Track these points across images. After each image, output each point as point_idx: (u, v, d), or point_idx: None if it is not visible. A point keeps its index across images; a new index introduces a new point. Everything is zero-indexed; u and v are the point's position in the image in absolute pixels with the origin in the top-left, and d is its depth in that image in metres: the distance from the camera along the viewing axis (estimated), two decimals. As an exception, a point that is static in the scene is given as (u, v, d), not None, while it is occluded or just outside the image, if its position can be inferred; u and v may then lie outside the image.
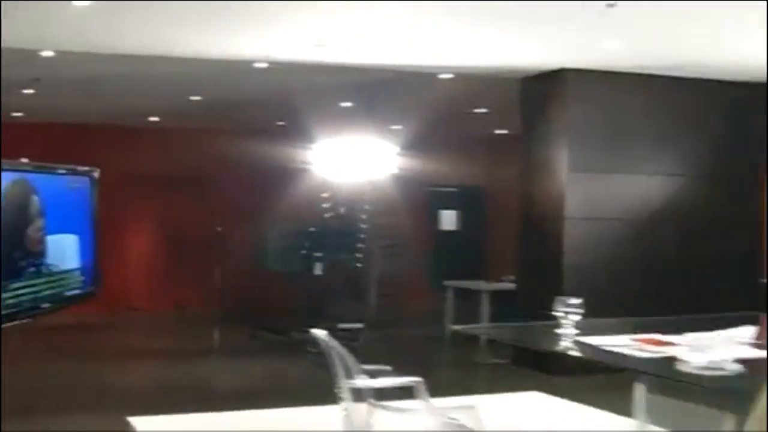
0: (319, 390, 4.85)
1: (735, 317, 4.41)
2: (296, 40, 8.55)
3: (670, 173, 10.34)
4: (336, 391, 4.46)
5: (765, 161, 10.99)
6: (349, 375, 4.39)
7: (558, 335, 4.38)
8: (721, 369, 3.62)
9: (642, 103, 10.19)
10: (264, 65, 9.69)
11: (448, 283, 12.29)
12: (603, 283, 9.70)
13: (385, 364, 4.71)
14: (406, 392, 4.56)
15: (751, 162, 10.86)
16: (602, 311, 5.21)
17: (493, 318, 10.94)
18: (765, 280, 11.81)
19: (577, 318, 4.42)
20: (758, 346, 4.12)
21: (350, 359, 4.43)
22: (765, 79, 10.46)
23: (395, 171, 13.66)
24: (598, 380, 7.64)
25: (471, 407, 4.27)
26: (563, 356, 4.30)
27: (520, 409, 7.77)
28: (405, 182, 14.86)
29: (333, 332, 9.19)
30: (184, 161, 15.13)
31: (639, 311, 5.10)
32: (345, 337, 10.55)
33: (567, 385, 8.54)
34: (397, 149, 13.60)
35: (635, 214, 10.15)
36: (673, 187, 10.34)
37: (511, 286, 10.97)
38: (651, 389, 4.78)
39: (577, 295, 4.58)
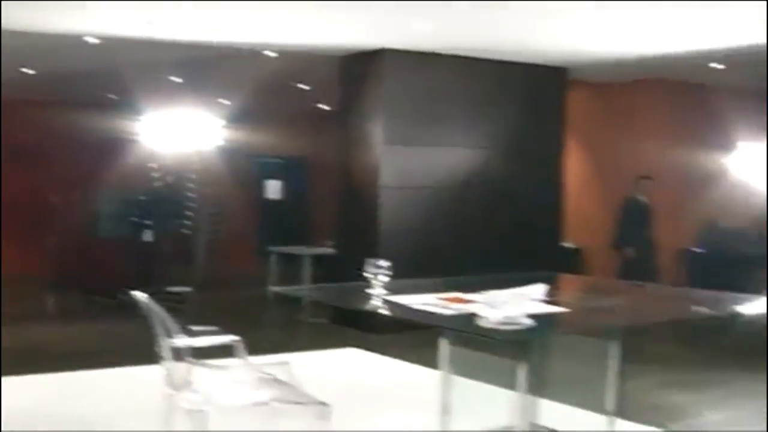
0: (145, 350, 4.77)
1: (535, 276, 4.52)
2: (127, 17, 8.34)
3: (477, 146, 10.59)
4: (157, 350, 4.40)
5: (561, 136, 11.42)
6: (170, 335, 4.33)
7: (368, 295, 4.41)
8: (515, 323, 3.72)
9: (451, 82, 10.40)
10: (96, 41, 9.43)
11: (272, 248, 12.24)
12: (416, 247, 9.89)
13: (212, 324, 4.66)
14: (228, 351, 4.53)
15: (551, 137, 11.27)
16: (415, 273, 5.28)
17: (315, 281, 10.97)
18: (565, 244, 12.27)
19: (387, 279, 4.45)
20: (549, 302, 4.26)
21: (170, 320, 4.36)
22: (559, 64, 10.89)
23: (222, 143, 13.56)
24: (410, 336, 7.76)
25: (285, 363, 4.29)
26: (378, 315, 4.33)
27: (337, 364, 7.84)
28: (231, 153, 14.75)
29: (160, 295, 9.11)
30: (17, 133, 14.56)
31: (449, 272, 5.20)
32: (173, 300, 10.46)
33: (382, 342, 8.66)
34: (224, 122, 13.49)
35: (445, 184, 10.35)
36: (480, 159, 10.60)
37: (331, 250, 11.05)
38: (454, 343, 4.89)
39: (392, 258, 4.61)
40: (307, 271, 11.29)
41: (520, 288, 4.11)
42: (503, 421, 4.88)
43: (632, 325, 4.71)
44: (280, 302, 11.52)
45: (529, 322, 3.78)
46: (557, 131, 11.43)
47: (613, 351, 4.84)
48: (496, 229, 10.60)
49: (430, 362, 5.24)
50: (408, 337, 7.86)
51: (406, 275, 4.79)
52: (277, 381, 4.31)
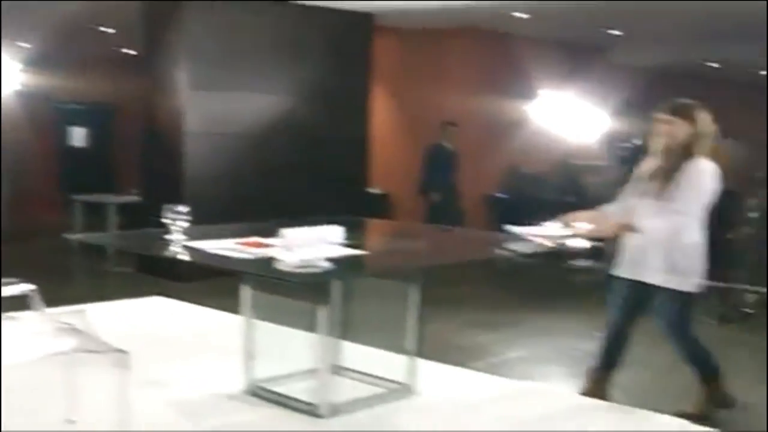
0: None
1: (339, 220, 4.56)
2: None
3: (283, 92, 10.54)
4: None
5: (368, 83, 11.51)
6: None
7: (167, 242, 4.35)
8: (313, 266, 3.74)
9: (257, 27, 10.29)
10: None
11: (76, 197, 11.91)
12: (223, 193, 9.82)
13: (16, 276, 4.49)
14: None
15: (357, 83, 11.33)
16: (223, 219, 5.25)
17: (121, 229, 10.75)
18: (373, 190, 12.42)
19: (186, 225, 4.40)
20: (348, 246, 4.31)
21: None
22: (366, 10, 10.94)
23: (20, 87, 13.05)
24: (216, 283, 7.70)
25: (81, 311, 4.19)
26: (183, 263, 4.28)
27: (142, 313, 7.72)
28: (31, 99, 14.20)
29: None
30: None
31: (257, 219, 5.17)
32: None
33: (189, 290, 8.56)
34: (23, 66, 12.98)
35: (251, 130, 10.27)
36: (286, 105, 10.55)
37: (137, 198, 10.84)
38: (255, 288, 4.89)
39: (199, 205, 4.56)
40: (113, 219, 11.06)
41: (318, 231, 4.14)
42: (307, 364, 4.93)
43: (431, 266, 4.82)
44: (84, 252, 11.23)
45: (326, 264, 3.81)
46: (364, 77, 11.51)
47: (414, 293, 4.95)
48: (303, 175, 10.60)
49: (236, 309, 5.23)
50: (214, 284, 7.80)
51: (213, 222, 4.76)
52: (74, 330, 4.22)
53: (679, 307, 5.17)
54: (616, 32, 12.74)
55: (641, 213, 5.08)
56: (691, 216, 5.04)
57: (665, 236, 5.00)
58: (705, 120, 5.12)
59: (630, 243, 5.06)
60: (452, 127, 11.79)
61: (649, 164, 5.24)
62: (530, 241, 4.74)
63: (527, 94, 13.08)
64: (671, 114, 5.11)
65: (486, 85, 12.93)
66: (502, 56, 12.98)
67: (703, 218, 5.11)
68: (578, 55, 13.46)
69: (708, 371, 5.36)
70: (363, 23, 11.37)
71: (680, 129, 5.07)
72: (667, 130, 5.11)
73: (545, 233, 4.76)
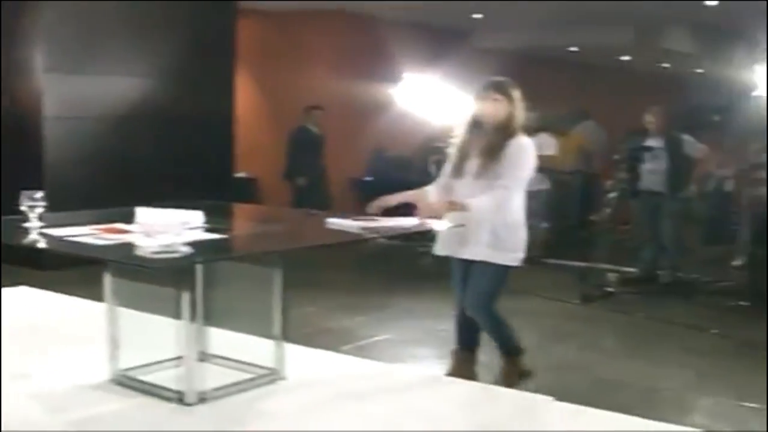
0: None
1: (202, 205, 4.50)
2: None
3: (144, 75, 10.34)
4: None
5: (232, 66, 11.39)
6: None
7: (24, 229, 4.23)
8: (172, 252, 3.69)
9: (117, 9, 10.04)
10: None
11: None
12: (84, 179, 9.60)
13: None
14: None
15: (221, 66, 11.20)
16: (85, 205, 5.12)
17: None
18: (240, 175, 12.33)
19: (42, 211, 4.28)
20: (210, 230, 4.26)
21: None
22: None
23: None
24: (81, 271, 7.51)
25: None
26: (49, 251, 4.16)
27: (5, 304, 7.48)
28: None
29: None
30: None
31: (119, 204, 5.06)
32: None
33: (54, 279, 8.34)
34: None
35: (113, 113, 10.05)
36: (148, 88, 10.36)
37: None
38: (117, 275, 4.79)
39: (60, 191, 4.45)
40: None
41: (178, 216, 4.08)
42: (174, 352, 4.86)
43: (292, 249, 4.80)
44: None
45: (186, 249, 3.76)
46: (228, 60, 11.38)
47: (277, 277, 4.92)
48: (167, 160, 10.42)
49: (102, 297, 5.12)
50: (81, 273, 7.61)
51: (74, 208, 4.64)
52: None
53: (495, 282, 5.27)
54: (479, 16, 12.92)
55: (463, 191, 5.17)
56: (514, 191, 5.15)
57: (491, 211, 5.09)
58: (520, 98, 5.24)
59: (454, 221, 5.11)
60: (317, 110, 11.79)
61: (466, 142, 5.32)
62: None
63: (392, 77, 13.14)
64: (490, 92, 5.21)
65: (351, 69, 12.96)
66: (367, 39, 13.02)
67: (523, 193, 5.24)
68: (442, 38, 13.60)
69: (511, 346, 5.49)
70: (226, 5, 11.23)
71: (500, 107, 5.19)
72: (488, 108, 5.22)
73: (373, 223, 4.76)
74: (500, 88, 5.26)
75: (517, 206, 5.23)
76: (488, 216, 5.11)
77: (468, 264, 5.29)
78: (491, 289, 5.30)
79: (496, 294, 5.33)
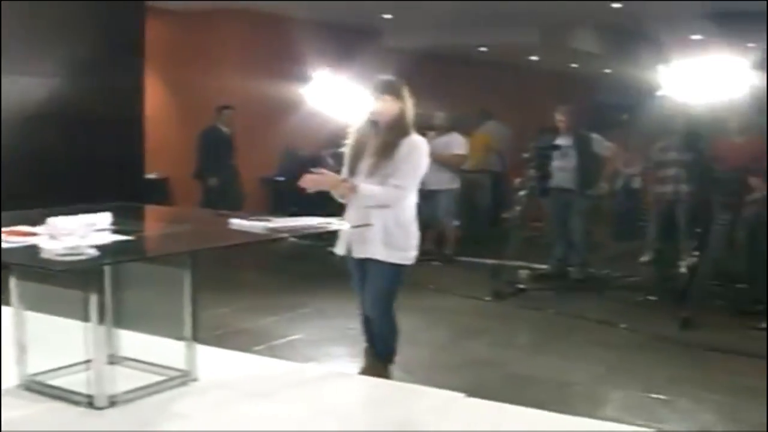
0: None
1: (110, 207, 4.45)
2: None
3: (48, 74, 10.14)
4: None
5: (140, 66, 11.27)
6: None
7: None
8: (78, 254, 3.65)
9: (22, 8, 9.83)
10: None
11: None
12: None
13: None
14: None
15: (128, 65, 11.04)
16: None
17: None
18: (150, 176, 12.20)
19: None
20: (117, 232, 4.22)
21: None
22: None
23: None
24: None
25: None
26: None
27: None
28: None
29: None
30: None
31: (25, 206, 4.96)
32: None
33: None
34: None
35: (18, 114, 9.84)
36: (53, 88, 10.16)
37: None
38: (22, 278, 4.72)
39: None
40: None
41: (85, 218, 4.04)
42: (83, 355, 4.80)
43: (200, 249, 4.77)
44: None
45: (92, 251, 3.72)
46: (135, 60, 11.22)
47: (187, 278, 4.89)
48: (76, 161, 10.23)
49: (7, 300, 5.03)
50: None
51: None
52: None
53: (391, 282, 5.30)
54: (389, 16, 12.99)
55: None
56: (407, 190, 5.21)
57: (378, 203, 5.13)
58: (409, 96, 5.29)
59: (350, 219, 5.16)
60: (228, 110, 11.73)
61: (361, 141, 5.35)
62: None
63: (302, 76, 13.11)
64: (381, 92, 5.26)
65: (261, 68, 12.91)
66: (276, 39, 12.99)
67: (416, 192, 5.29)
68: (353, 37, 13.63)
69: (389, 354, 5.52)
70: (134, 4, 11.09)
71: (391, 106, 5.23)
72: (379, 107, 5.26)
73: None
74: (389, 88, 5.29)
75: (408, 205, 5.26)
76: (371, 203, 5.14)
77: (364, 263, 5.31)
78: (388, 288, 5.31)
79: (393, 293, 5.35)
